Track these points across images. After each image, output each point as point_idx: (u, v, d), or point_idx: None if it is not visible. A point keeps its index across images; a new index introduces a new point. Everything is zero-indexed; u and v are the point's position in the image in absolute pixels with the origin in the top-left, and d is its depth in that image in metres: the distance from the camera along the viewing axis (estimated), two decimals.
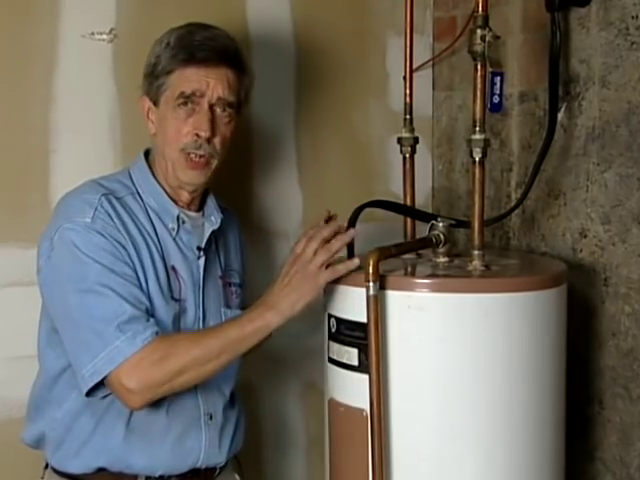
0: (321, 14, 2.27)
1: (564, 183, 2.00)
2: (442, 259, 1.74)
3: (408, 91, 1.97)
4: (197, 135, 1.70)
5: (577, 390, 1.92)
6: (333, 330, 1.70)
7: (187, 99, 1.69)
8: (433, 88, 2.44)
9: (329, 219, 1.69)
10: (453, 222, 1.78)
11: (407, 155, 1.95)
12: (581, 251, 1.95)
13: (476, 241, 1.71)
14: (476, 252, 1.70)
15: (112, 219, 1.66)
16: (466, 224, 1.83)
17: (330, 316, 1.71)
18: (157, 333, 1.60)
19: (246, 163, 2.21)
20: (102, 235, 1.63)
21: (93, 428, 1.69)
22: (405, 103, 1.96)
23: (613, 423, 1.89)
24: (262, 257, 2.18)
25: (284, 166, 2.27)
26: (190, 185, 1.75)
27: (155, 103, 1.74)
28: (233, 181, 2.09)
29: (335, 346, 1.69)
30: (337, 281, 1.70)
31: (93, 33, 2.03)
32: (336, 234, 1.64)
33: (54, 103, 2.00)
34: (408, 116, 1.95)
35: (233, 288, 1.87)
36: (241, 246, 1.97)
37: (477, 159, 1.69)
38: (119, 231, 1.66)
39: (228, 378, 1.79)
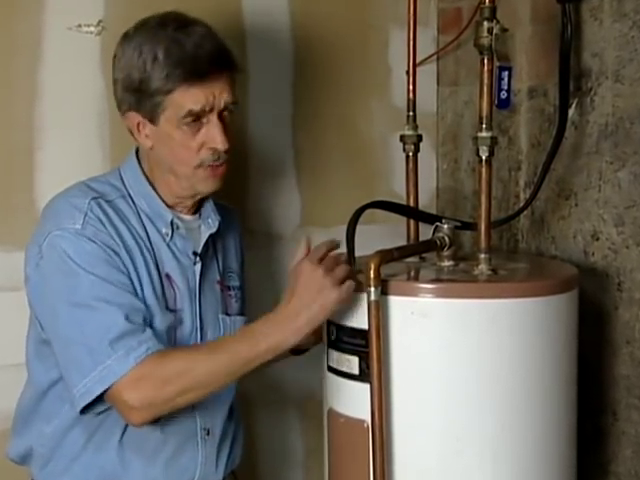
0: (320, 6, 2.27)
1: (575, 183, 2.00)
2: (447, 263, 1.74)
3: (411, 86, 1.96)
4: (214, 149, 1.68)
5: (589, 400, 1.91)
6: (333, 337, 1.69)
7: (196, 116, 1.66)
8: (438, 83, 2.44)
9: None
10: (458, 224, 1.78)
11: (410, 154, 1.95)
12: (593, 254, 1.95)
13: (482, 244, 1.70)
14: (482, 255, 1.70)
15: (103, 224, 1.64)
16: (472, 226, 1.83)
17: (329, 323, 1.71)
18: (153, 347, 1.57)
19: (241, 162, 2.21)
20: (94, 242, 1.62)
21: (84, 443, 1.69)
22: (408, 99, 1.96)
23: (628, 435, 1.89)
24: (258, 261, 2.18)
25: (281, 165, 2.28)
26: (207, 193, 1.75)
27: (151, 120, 1.69)
28: (228, 182, 2.08)
29: (335, 354, 1.69)
30: None
31: (80, 25, 2.03)
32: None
33: (39, 99, 2.00)
34: (411, 113, 1.95)
35: (232, 292, 1.86)
36: (241, 245, 1.96)
37: (484, 158, 1.69)
38: (111, 237, 1.64)
39: (228, 390, 1.78)
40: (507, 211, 2.16)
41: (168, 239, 1.73)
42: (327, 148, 2.31)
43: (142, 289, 1.66)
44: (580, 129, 1.97)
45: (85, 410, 1.60)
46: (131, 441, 1.68)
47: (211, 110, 1.67)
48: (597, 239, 1.94)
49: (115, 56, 1.70)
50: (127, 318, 1.58)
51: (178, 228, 1.75)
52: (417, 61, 1.99)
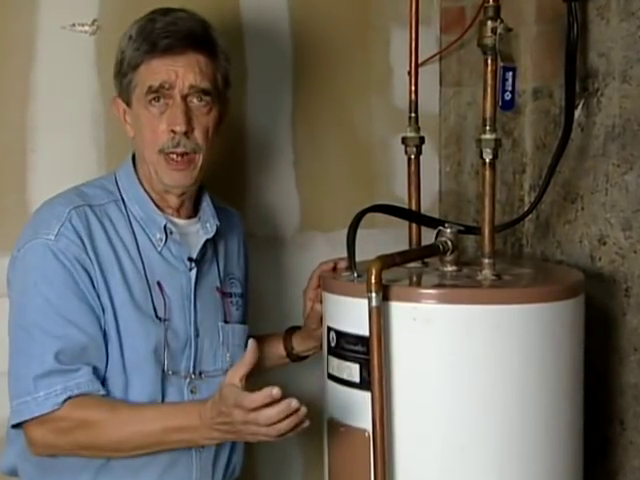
0: (320, 4, 2.27)
1: (581, 186, 1.99)
2: (450, 268, 1.73)
3: (413, 87, 1.96)
4: (173, 131, 1.67)
5: (596, 409, 1.91)
6: (333, 344, 1.69)
7: (157, 93, 1.67)
8: (440, 84, 2.44)
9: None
10: (462, 228, 1.77)
11: (412, 156, 1.94)
12: (600, 259, 1.95)
13: (486, 248, 1.70)
14: (486, 260, 1.70)
15: (79, 236, 1.64)
16: (476, 230, 1.83)
17: (329, 329, 1.70)
18: (77, 390, 1.58)
19: (239, 164, 2.20)
20: (60, 259, 1.61)
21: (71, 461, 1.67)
22: (410, 100, 1.96)
23: (636, 445, 1.88)
24: (257, 265, 2.17)
25: (280, 168, 2.27)
26: (177, 188, 1.72)
27: (128, 104, 1.72)
28: (225, 184, 2.08)
29: (335, 361, 1.68)
30: (337, 291, 1.70)
31: (74, 24, 2.02)
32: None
33: (32, 99, 1.99)
34: (413, 114, 1.95)
35: (233, 299, 1.85)
36: (245, 250, 1.95)
37: (487, 160, 1.69)
38: (85, 250, 1.63)
39: None
40: (511, 215, 2.16)
41: (161, 245, 1.72)
42: (327, 150, 2.30)
43: (113, 306, 1.65)
44: (586, 131, 1.97)
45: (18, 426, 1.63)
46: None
47: (172, 88, 1.67)
48: (604, 243, 1.94)
49: None
50: (58, 356, 1.58)
51: (172, 233, 1.73)
52: (419, 61, 1.99)
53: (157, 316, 1.69)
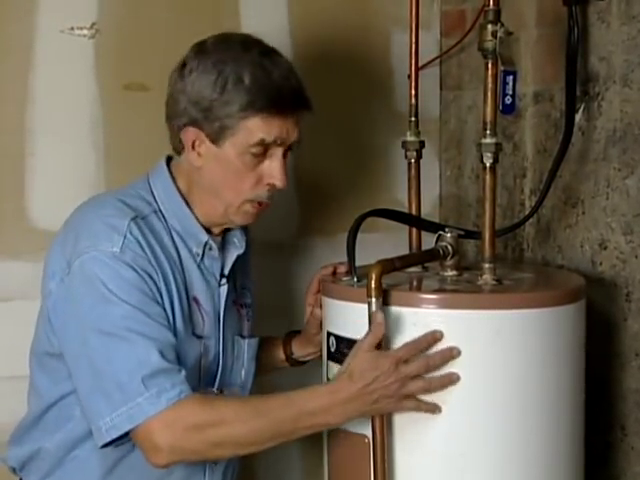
0: (320, 8, 2.27)
1: (582, 190, 1.99)
2: (450, 273, 1.73)
3: (413, 91, 1.96)
4: (272, 185, 1.67)
5: (597, 415, 1.91)
6: (332, 349, 1.69)
7: (264, 147, 1.65)
8: (441, 88, 2.44)
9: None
10: (462, 232, 1.77)
11: (412, 160, 1.94)
12: (601, 264, 1.95)
13: (487, 253, 1.70)
14: (487, 265, 1.70)
15: (142, 248, 1.60)
16: (476, 235, 1.82)
17: (329, 334, 1.70)
18: (186, 391, 1.53)
19: None
20: (132, 268, 1.57)
21: (85, 463, 1.66)
22: (410, 104, 1.96)
23: (637, 451, 1.88)
24: (256, 270, 2.17)
25: None
26: (239, 226, 1.74)
27: (214, 141, 1.65)
28: None
29: (335, 367, 1.68)
30: (336, 296, 1.70)
31: (73, 28, 2.03)
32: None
33: (31, 103, 2.00)
34: (413, 118, 1.95)
35: (244, 311, 1.85)
36: (249, 261, 1.95)
37: (488, 164, 1.69)
38: (149, 261, 1.60)
39: None
40: (512, 219, 2.16)
41: (199, 260, 1.71)
42: (326, 153, 2.30)
43: (174, 317, 1.63)
44: (587, 135, 1.97)
45: (106, 444, 1.56)
46: (134, 470, 1.65)
47: (279, 145, 1.65)
48: (605, 248, 1.94)
49: (185, 65, 1.66)
50: (162, 355, 1.54)
51: (211, 249, 1.72)
52: (419, 65, 1.99)
53: (195, 333, 1.68)
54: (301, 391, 1.57)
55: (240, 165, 1.65)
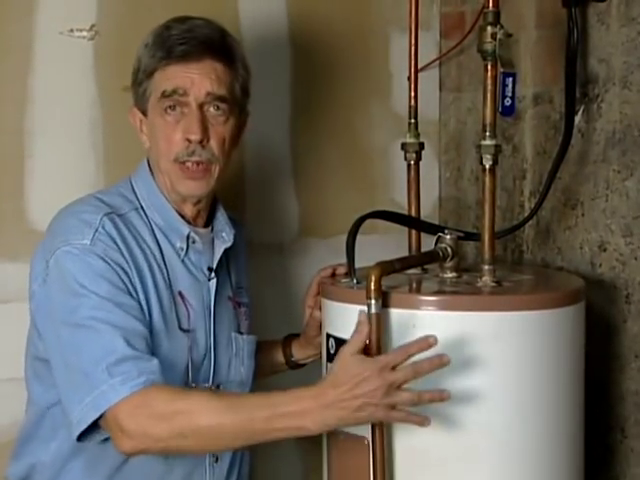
0: (319, 10, 2.27)
1: (582, 192, 1.99)
2: (450, 274, 1.73)
3: (413, 93, 1.97)
4: (188, 140, 1.65)
5: (597, 417, 1.91)
6: (332, 351, 1.69)
7: (171, 100, 1.65)
8: (440, 89, 2.44)
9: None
10: (461, 234, 1.77)
11: (412, 162, 1.94)
12: (600, 266, 1.95)
13: (486, 255, 1.70)
14: (486, 267, 1.70)
15: (115, 242, 1.60)
16: (475, 236, 1.83)
17: (329, 336, 1.70)
18: (154, 380, 1.51)
19: (238, 170, 2.20)
20: (102, 259, 1.58)
21: (84, 474, 1.65)
22: (410, 106, 1.96)
23: (637, 453, 1.88)
24: (256, 272, 2.17)
25: (279, 174, 2.27)
26: (192, 197, 1.71)
27: (144, 113, 1.70)
28: (223, 189, 2.08)
29: None
30: (336, 298, 1.70)
31: (72, 30, 2.03)
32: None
33: (30, 105, 2.00)
34: (413, 120, 1.95)
35: (243, 309, 1.85)
36: (246, 260, 1.95)
37: (487, 166, 1.69)
38: (122, 254, 1.60)
39: None
40: (512, 221, 2.16)
41: (183, 254, 1.71)
42: (326, 156, 2.31)
43: (150, 311, 1.62)
44: (587, 137, 1.97)
45: (82, 438, 1.55)
46: (133, 472, 1.65)
47: (186, 95, 1.65)
48: (604, 250, 1.94)
49: None
50: (127, 343, 1.53)
51: (194, 242, 1.72)
52: (419, 67, 1.99)
53: (181, 327, 1.67)
54: (281, 392, 1.50)
55: (161, 126, 1.67)
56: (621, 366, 1.91)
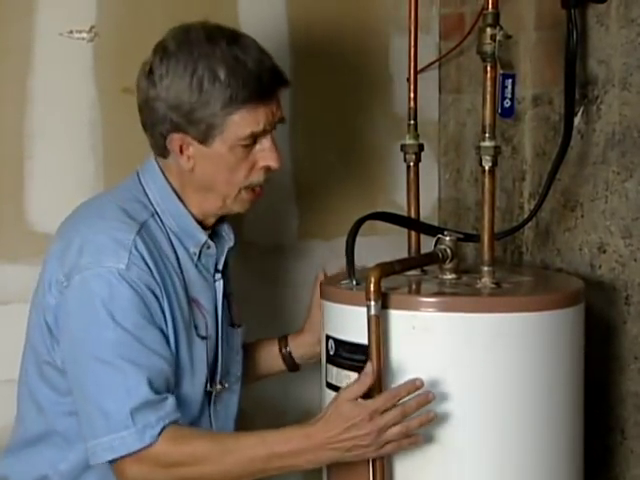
0: (318, 11, 2.27)
1: (581, 193, 1.99)
2: (449, 276, 1.74)
3: (412, 94, 1.96)
4: (267, 168, 1.67)
5: (596, 418, 1.91)
6: (331, 352, 1.69)
7: (256, 137, 1.64)
8: (439, 91, 2.44)
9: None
10: (461, 236, 1.77)
11: (411, 163, 1.94)
12: (600, 267, 1.95)
13: (486, 256, 1.70)
14: (486, 268, 1.70)
15: (147, 263, 1.58)
16: (475, 238, 1.83)
17: (328, 337, 1.70)
18: (169, 422, 1.54)
19: None
20: (135, 287, 1.55)
21: None
22: (409, 107, 1.96)
23: (636, 454, 1.88)
24: (255, 274, 2.18)
25: (278, 175, 2.26)
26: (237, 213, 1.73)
27: (202, 142, 1.63)
28: None
29: (334, 370, 1.68)
30: (336, 300, 1.70)
31: (72, 31, 2.03)
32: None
33: (29, 106, 2.00)
34: (412, 121, 1.95)
35: (231, 298, 1.84)
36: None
37: (487, 168, 1.69)
38: (153, 276, 1.59)
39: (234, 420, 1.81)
40: (511, 222, 2.16)
41: (195, 259, 1.70)
42: (325, 157, 2.31)
43: (175, 326, 1.62)
44: (586, 138, 1.97)
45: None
46: None
47: (269, 129, 1.65)
48: (604, 251, 1.94)
49: (152, 71, 1.63)
50: (150, 385, 1.53)
51: (209, 247, 1.72)
52: (418, 68, 1.99)
53: (199, 334, 1.68)
54: (275, 432, 1.56)
55: (232, 158, 1.64)
56: (621, 367, 1.91)
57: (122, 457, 1.53)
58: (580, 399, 1.71)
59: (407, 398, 1.52)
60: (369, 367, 1.52)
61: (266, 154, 1.66)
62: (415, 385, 1.52)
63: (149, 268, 1.58)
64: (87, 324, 1.55)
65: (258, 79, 1.61)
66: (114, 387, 1.53)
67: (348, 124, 2.34)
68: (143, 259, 1.58)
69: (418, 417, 1.51)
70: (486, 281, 1.69)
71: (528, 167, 2.16)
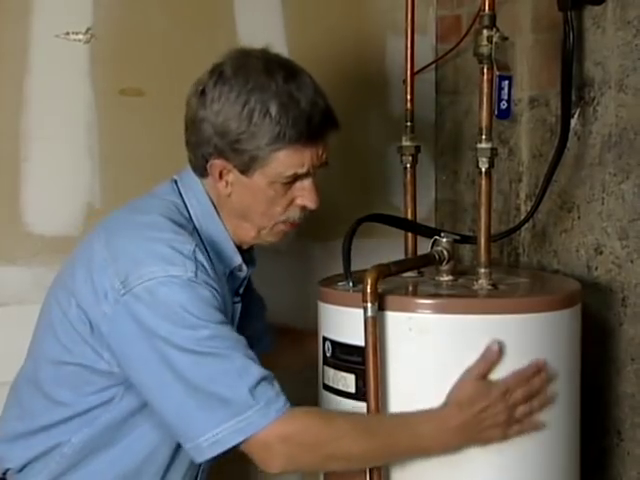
0: (315, 13, 2.27)
1: (578, 195, 2.00)
2: (446, 277, 1.74)
3: (409, 96, 1.97)
4: (303, 207, 1.67)
5: (593, 420, 1.91)
6: (328, 354, 1.69)
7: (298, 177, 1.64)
8: (436, 92, 2.45)
9: None
10: (457, 237, 1.78)
11: (408, 165, 1.95)
12: (596, 269, 1.95)
13: (482, 258, 1.71)
14: (482, 270, 1.70)
15: (207, 272, 1.58)
16: (472, 239, 1.83)
17: (325, 339, 1.71)
18: (285, 399, 1.52)
19: None
20: (208, 290, 1.55)
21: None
22: (406, 109, 1.96)
23: (633, 456, 1.89)
24: (253, 276, 2.18)
25: None
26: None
27: (243, 172, 1.62)
28: None
29: (330, 372, 1.69)
30: (332, 301, 1.70)
31: (68, 33, 2.03)
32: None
33: (25, 108, 2.00)
34: (409, 123, 1.95)
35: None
36: None
37: (484, 169, 1.69)
38: (215, 283, 1.59)
39: None
40: (508, 224, 2.17)
41: (225, 279, 1.69)
42: None
43: None
44: (583, 140, 1.98)
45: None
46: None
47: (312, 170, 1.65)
48: (600, 253, 1.94)
49: (204, 92, 1.61)
50: (257, 364, 1.53)
51: (240, 270, 1.72)
52: (415, 70, 1.99)
53: None
54: (413, 413, 1.57)
55: (272, 193, 1.64)
56: (617, 369, 1.91)
57: (262, 436, 1.49)
58: (577, 400, 1.71)
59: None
60: (495, 344, 1.56)
61: (305, 194, 1.66)
62: (538, 364, 1.58)
63: (209, 276, 1.58)
64: (172, 327, 1.52)
65: (309, 120, 1.61)
66: (223, 374, 1.51)
67: (345, 126, 2.32)
68: (205, 268, 1.58)
69: (537, 398, 1.58)
70: (483, 283, 1.69)
71: (525, 169, 2.16)
